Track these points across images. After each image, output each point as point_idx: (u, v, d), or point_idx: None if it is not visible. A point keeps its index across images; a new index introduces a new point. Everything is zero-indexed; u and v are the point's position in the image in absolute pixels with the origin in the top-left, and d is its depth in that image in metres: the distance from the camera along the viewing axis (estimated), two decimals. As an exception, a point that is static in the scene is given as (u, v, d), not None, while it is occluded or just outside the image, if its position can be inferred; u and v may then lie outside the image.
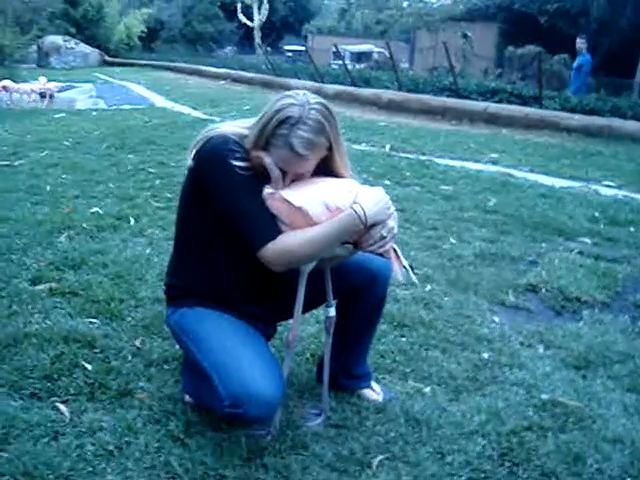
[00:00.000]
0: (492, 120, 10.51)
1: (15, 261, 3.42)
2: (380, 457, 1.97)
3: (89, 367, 2.35)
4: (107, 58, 36.88)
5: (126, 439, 1.97)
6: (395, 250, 1.95)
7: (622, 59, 14.36)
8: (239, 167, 1.88)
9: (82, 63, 34.86)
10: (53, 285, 3.09)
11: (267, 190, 1.88)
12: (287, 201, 1.85)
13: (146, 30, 40.11)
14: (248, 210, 1.89)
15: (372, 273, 2.14)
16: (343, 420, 2.17)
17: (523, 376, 2.52)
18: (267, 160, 1.86)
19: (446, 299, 3.23)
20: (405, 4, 24.06)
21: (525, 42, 17.36)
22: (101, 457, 1.88)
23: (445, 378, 2.47)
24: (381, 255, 1.94)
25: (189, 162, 1.96)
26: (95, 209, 4.50)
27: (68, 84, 20.32)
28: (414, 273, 1.97)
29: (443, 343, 2.73)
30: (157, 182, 5.50)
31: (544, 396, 2.37)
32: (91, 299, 2.95)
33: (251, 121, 1.96)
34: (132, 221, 4.28)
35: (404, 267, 1.92)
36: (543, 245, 4.32)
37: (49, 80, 15.61)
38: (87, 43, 36.52)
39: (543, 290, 3.49)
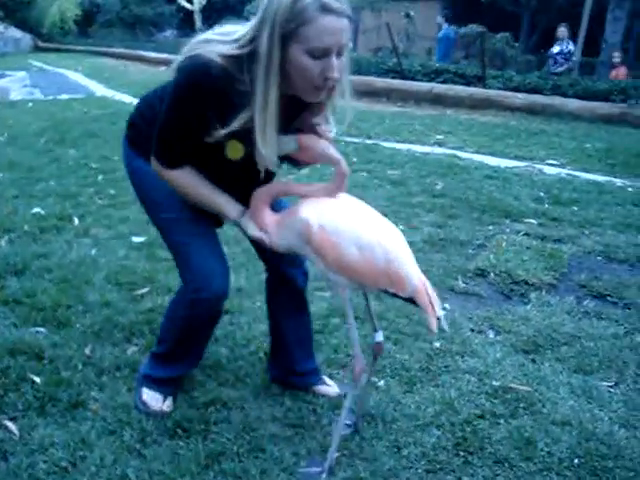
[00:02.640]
0: (437, 101, 10.61)
1: (-51, 270, 3.30)
2: (337, 455, 1.98)
3: (37, 380, 2.28)
4: (40, 43, 35.65)
5: (80, 454, 1.93)
6: (429, 298, 1.81)
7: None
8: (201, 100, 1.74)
9: (13, 49, 33.58)
10: (-5, 294, 2.99)
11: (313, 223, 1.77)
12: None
13: (81, 14, 38.88)
14: (173, 128, 1.81)
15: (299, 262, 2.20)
16: (300, 419, 2.17)
17: (475, 363, 2.56)
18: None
19: (397, 288, 3.25)
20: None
21: (467, 21, 17.55)
22: (54, 475, 1.84)
23: (398, 370, 2.49)
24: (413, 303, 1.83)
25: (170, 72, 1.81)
26: (36, 209, 4.36)
27: (0, 72, 19.64)
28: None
29: (395, 334, 2.76)
30: (100, 178, 5.36)
31: (495, 383, 2.42)
32: (36, 307, 2.86)
33: (231, 34, 1.74)
34: (76, 221, 4.17)
35: (437, 318, 1.79)
36: (490, 228, 4.40)
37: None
38: (18, 27, 35.18)
39: (492, 274, 3.55)
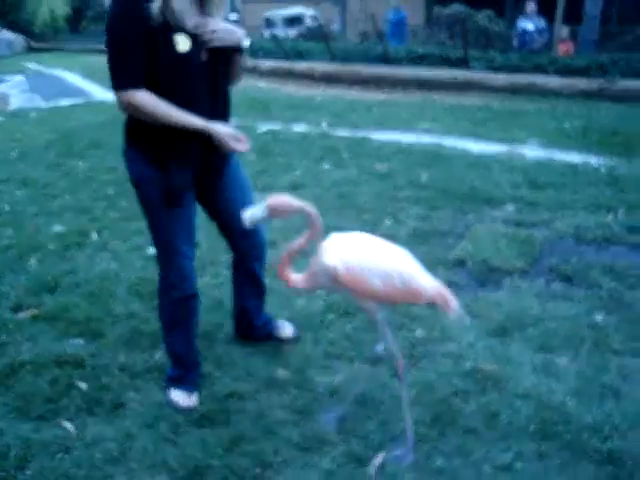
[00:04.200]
0: (423, 86, 10.97)
1: (-6, 290, 3.74)
2: (336, 434, 2.42)
3: (83, 386, 2.74)
4: (33, 44, 35.89)
5: (127, 445, 2.39)
6: (445, 299, 2.29)
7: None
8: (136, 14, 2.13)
9: (7, 51, 33.85)
10: (35, 311, 3.43)
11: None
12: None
13: (71, 11, 39.01)
14: (120, 50, 2.18)
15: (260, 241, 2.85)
16: (304, 405, 2.61)
17: (451, 348, 3.00)
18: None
19: (383, 283, 3.68)
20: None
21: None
22: (109, 463, 2.30)
23: (385, 358, 2.92)
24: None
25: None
26: (57, 227, 4.79)
27: (-2, 77, 19.95)
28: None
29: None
30: (110, 190, 5.78)
31: (468, 364, 2.85)
32: (72, 321, 3.31)
33: None
34: (94, 236, 4.61)
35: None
36: (470, 217, 4.80)
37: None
38: (10, 29, 35.44)
39: (469, 263, 3.96)
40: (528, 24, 12.29)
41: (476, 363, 2.86)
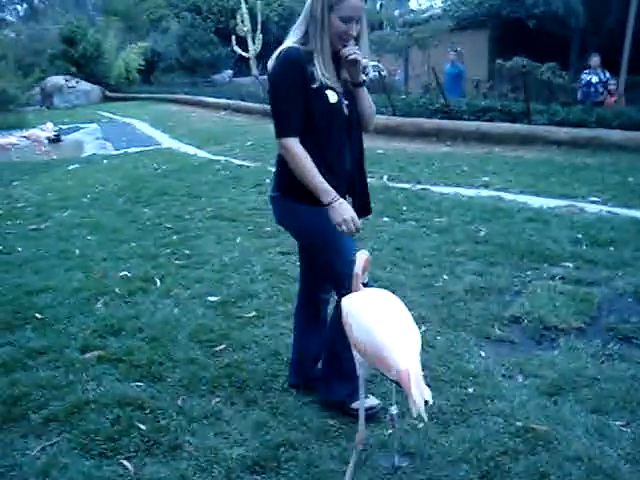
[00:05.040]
0: (484, 139, 11.00)
1: (63, 331, 3.95)
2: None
3: (143, 427, 2.86)
4: (108, 93, 37.85)
5: (182, 487, 2.48)
6: (412, 385, 2.01)
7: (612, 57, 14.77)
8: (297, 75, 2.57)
9: (84, 101, 35.89)
10: (100, 353, 3.61)
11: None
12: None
13: (144, 63, 40.99)
14: (284, 104, 2.62)
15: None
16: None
17: (502, 406, 2.99)
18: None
19: (438, 338, 3.71)
20: (396, 13, 24.66)
21: (516, 48, 17.84)
22: (164, 503, 2.39)
23: (436, 413, 2.95)
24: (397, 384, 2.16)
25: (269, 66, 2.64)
26: (123, 272, 5.02)
27: (75, 125, 21.05)
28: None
29: (434, 382, 3.21)
30: (174, 238, 6.03)
31: (519, 423, 2.84)
32: (134, 364, 3.47)
33: (297, 28, 2.67)
34: (158, 282, 4.80)
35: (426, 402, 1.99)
36: (528, 273, 4.78)
37: (52, 122, 16.40)
38: (88, 80, 37.60)
39: (525, 321, 3.95)
40: (593, 77, 12.28)
41: (527, 422, 2.85)
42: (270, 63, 2.63)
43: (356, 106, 2.78)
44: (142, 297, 4.52)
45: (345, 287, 2.59)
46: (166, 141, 15.22)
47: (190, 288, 4.64)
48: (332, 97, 2.64)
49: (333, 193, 2.58)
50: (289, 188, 2.72)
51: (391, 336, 2.19)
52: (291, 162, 2.61)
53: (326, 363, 3.05)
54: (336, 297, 2.91)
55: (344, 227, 2.58)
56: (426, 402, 1.98)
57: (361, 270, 2.49)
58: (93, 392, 3.19)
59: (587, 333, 3.80)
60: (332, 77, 2.64)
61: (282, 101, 2.62)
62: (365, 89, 2.80)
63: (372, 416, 2.89)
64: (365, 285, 2.60)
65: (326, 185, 2.58)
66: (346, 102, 2.71)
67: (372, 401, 2.97)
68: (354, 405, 2.90)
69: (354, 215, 2.61)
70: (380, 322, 2.27)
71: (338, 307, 2.80)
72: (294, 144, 2.59)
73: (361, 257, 2.51)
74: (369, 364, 2.36)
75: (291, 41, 2.64)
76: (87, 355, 3.61)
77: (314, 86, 2.58)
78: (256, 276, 4.86)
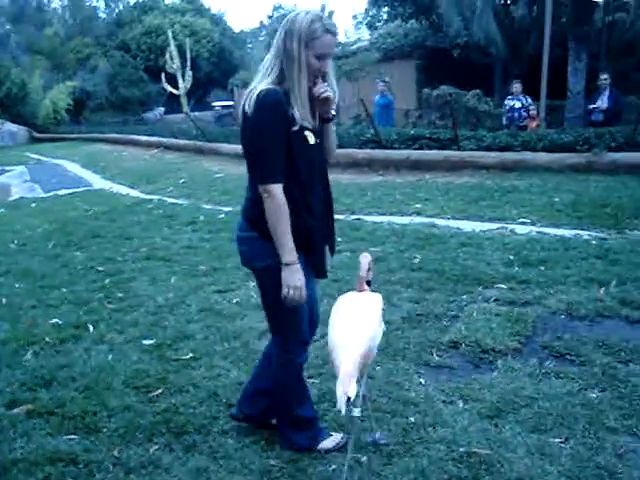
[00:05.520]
0: (415, 166, 11.21)
1: (-11, 386, 3.76)
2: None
3: (76, 484, 2.73)
4: (36, 134, 36.95)
5: None
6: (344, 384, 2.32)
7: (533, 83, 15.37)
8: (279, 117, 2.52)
9: (10, 142, 34.99)
10: (29, 407, 3.43)
11: None
12: None
13: (72, 102, 40.32)
14: (266, 149, 2.54)
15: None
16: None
17: (445, 433, 3.00)
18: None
19: (378, 368, 3.70)
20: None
21: (442, 77, 18.40)
22: None
23: (379, 445, 2.92)
24: None
25: (247, 110, 2.53)
26: (54, 320, 4.83)
27: (0, 169, 20.42)
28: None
29: (376, 413, 3.18)
30: (107, 281, 5.86)
31: (462, 449, 2.85)
32: (67, 416, 3.31)
33: (268, 68, 2.59)
34: (91, 328, 4.64)
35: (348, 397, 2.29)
36: (464, 297, 4.85)
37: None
38: (14, 121, 36.72)
39: (463, 345, 3.99)
40: (516, 102, 12.74)
41: (469, 447, 2.86)
42: (247, 106, 2.52)
43: (323, 142, 2.77)
44: (74, 345, 4.36)
45: (286, 344, 2.76)
46: (97, 182, 14.93)
47: (124, 332, 4.51)
48: (311, 138, 2.61)
49: (296, 255, 2.55)
50: (267, 229, 2.59)
51: (337, 337, 2.51)
52: (271, 209, 2.52)
53: (278, 415, 3.00)
54: (268, 348, 2.99)
55: (293, 294, 2.55)
56: (349, 398, 2.29)
57: (365, 272, 2.72)
58: (22, 450, 3.02)
59: (523, 353, 3.87)
60: (309, 117, 2.60)
61: (267, 145, 2.53)
62: (333, 124, 2.81)
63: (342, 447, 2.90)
64: (369, 283, 2.78)
65: (292, 244, 2.54)
66: (318, 141, 2.70)
67: (336, 438, 2.95)
68: (322, 446, 2.90)
69: (303, 286, 2.58)
70: (334, 325, 2.58)
71: (268, 356, 2.93)
72: (279, 191, 2.52)
73: (364, 259, 2.74)
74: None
75: (265, 82, 2.55)
76: (15, 410, 3.43)
77: (295, 128, 2.54)
78: (192, 316, 4.76)
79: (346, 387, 2.28)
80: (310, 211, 2.64)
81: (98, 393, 3.57)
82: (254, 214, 2.65)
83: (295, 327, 2.76)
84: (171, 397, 3.49)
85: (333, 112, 2.77)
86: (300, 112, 2.54)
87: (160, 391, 3.57)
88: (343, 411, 2.29)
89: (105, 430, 3.18)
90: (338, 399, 2.27)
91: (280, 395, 2.91)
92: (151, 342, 4.29)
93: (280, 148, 2.53)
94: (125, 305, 5.06)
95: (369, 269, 2.76)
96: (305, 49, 2.50)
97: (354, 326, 2.53)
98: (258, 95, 2.50)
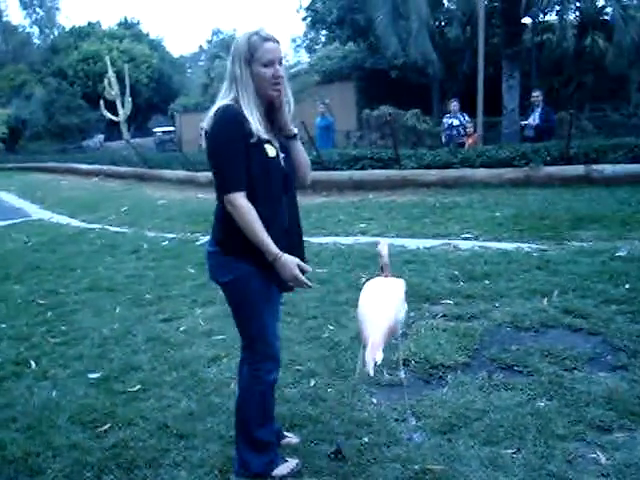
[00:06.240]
0: (358, 187, 11.34)
1: None
2: None
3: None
4: (-31, 165, 35.78)
5: None
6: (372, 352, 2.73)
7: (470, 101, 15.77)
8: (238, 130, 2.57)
9: (-58, 174, 33.72)
10: (-34, 451, 3.28)
11: None
12: None
13: (7, 131, 39.34)
14: (226, 160, 2.59)
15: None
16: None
17: (399, 451, 2.99)
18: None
19: (329, 390, 3.68)
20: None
21: (381, 98, 18.74)
22: None
23: (334, 467, 2.90)
24: None
25: (207, 128, 2.61)
26: (-8, 358, 4.66)
27: None
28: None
29: (330, 435, 3.17)
30: (49, 314, 5.68)
31: (416, 466, 2.85)
32: (7, 459, 3.16)
33: (224, 92, 2.67)
34: (33, 364, 4.48)
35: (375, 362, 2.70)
36: (411, 314, 4.86)
37: None
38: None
39: (413, 362, 4.00)
40: (453, 120, 13.06)
41: (424, 464, 2.86)
42: (207, 122, 2.61)
43: (292, 161, 2.80)
44: (15, 382, 4.19)
45: (253, 356, 2.79)
46: (36, 212, 14.53)
47: (69, 367, 4.37)
48: (271, 151, 2.65)
49: (276, 249, 2.57)
50: (229, 244, 2.68)
51: (366, 313, 2.93)
52: (237, 217, 2.56)
53: (236, 432, 2.93)
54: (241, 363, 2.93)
55: (294, 284, 2.67)
56: (375, 363, 2.71)
57: (387, 258, 3.10)
58: (-39, 498, 2.88)
59: (472, 367, 3.91)
60: (262, 129, 2.62)
61: (225, 157, 2.59)
62: (299, 142, 2.87)
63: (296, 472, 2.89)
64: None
65: (270, 240, 2.57)
66: (283, 155, 2.72)
67: (290, 464, 2.92)
68: (277, 472, 2.86)
69: (301, 264, 2.63)
70: (363, 304, 2.99)
71: (242, 372, 2.88)
72: (240, 198, 2.56)
73: (383, 247, 3.12)
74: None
75: (224, 100, 2.64)
76: (-48, 456, 3.27)
77: (252, 141, 2.58)
78: (139, 347, 4.66)
79: (374, 354, 2.71)
80: (269, 224, 2.62)
81: (42, 432, 3.44)
82: (218, 230, 2.74)
83: (262, 339, 2.79)
84: (119, 431, 3.38)
85: (295, 130, 2.82)
86: (255, 125, 2.58)
87: (108, 426, 3.46)
88: (372, 373, 2.73)
89: (49, 471, 3.05)
90: (367, 364, 2.70)
91: (241, 411, 2.86)
92: (97, 375, 4.17)
93: (239, 159, 2.57)
94: (69, 338, 4.92)
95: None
96: (248, 66, 2.59)
97: (381, 304, 2.94)
98: (216, 112, 2.60)
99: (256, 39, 2.59)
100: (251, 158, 2.59)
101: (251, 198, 2.59)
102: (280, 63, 2.64)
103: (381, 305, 2.94)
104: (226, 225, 2.64)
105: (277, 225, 2.68)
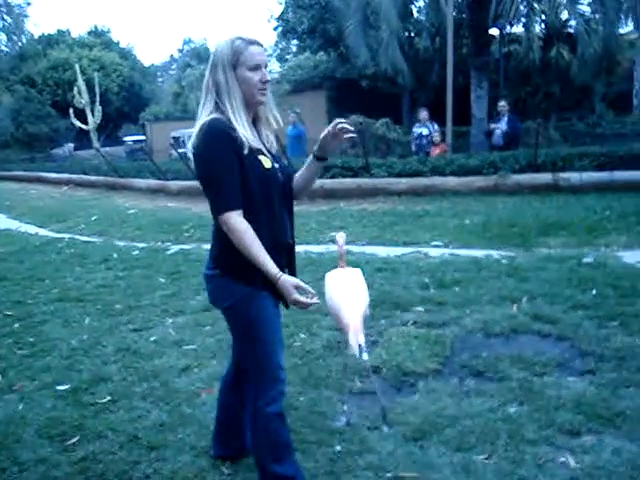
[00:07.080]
0: (329, 195, 11.38)
1: None
2: None
3: None
4: None
5: None
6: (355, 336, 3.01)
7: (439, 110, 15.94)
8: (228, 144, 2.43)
9: None
10: None
11: None
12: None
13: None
14: (219, 178, 2.44)
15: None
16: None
17: (371, 459, 2.99)
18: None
19: (301, 399, 3.67)
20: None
21: (352, 107, 18.82)
22: None
23: (307, 478, 2.88)
24: None
25: (193, 147, 2.46)
26: (-43, 372, 4.55)
27: None
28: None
29: (302, 445, 3.14)
30: (16, 326, 5.57)
31: (389, 474, 2.86)
32: (-29, 478, 3.10)
33: (205, 105, 2.52)
34: (-1, 377, 4.40)
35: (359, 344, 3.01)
36: (382, 322, 4.90)
37: None
38: None
39: (384, 369, 4.01)
40: (423, 129, 13.18)
41: (397, 472, 2.87)
42: (194, 140, 2.44)
43: (290, 174, 2.72)
44: (-20, 397, 4.10)
45: (258, 387, 2.62)
46: (3, 222, 14.26)
47: (36, 379, 4.28)
48: (266, 163, 2.52)
49: (276, 269, 2.43)
50: (227, 264, 2.53)
51: (341, 302, 3.12)
52: (234, 238, 2.41)
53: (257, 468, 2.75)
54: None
55: (297, 306, 2.53)
56: (360, 345, 3.04)
57: (343, 249, 3.22)
58: None
59: (444, 373, 3.94)
60: (254, 138, 2.53)
61: (217, 176, 2.42)
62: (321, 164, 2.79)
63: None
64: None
65: (270, 260, 2.43)
66: (277, 166, 2.60)
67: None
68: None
69: (301, 285, 2.49)
70: (333, 294, 3.16)
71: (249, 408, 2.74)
72: (237, 218, 2.40)
73: (340, 238, 3.27)
74: (334, 322, 3.28)
75: (206, 115, 2.48)
76: None
77: (245, 152, 2.43)
78: (108, 358, 4.59)
79: (357, 337, 3.00)
80: (264, 241, 2.46)
81: (8, 447, 3.36)
82: (216, 251, 2.60)
83: (267, 367, 2.60)
84: (88, 444, 3.33)
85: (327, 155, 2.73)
86: (245, 134, 2.44)
87: (77, 439, 3.40)
88: (358, 355, 3.07)
89: (16, 487, 3.00)
90: (353, 347, 3.00)
91: (255, 447, 2.70)
92: (65, 387, 4.09)
93: (233, 175, 2.41)
94: (37, 350, 4.83)
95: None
96: (233, 71, 2.47)
97: (353, 291, 3.16)
98: (201, 128, 2.44)
99: (240, 43, 2.47)
100: (247, 172, 2.44)
101: (250, 213, 2.45)
102: (265, 67, 2.54)
103: (353, 292, 3.16)
104: (223, 244, 2.49)
105: (278, 240, 2.57)
